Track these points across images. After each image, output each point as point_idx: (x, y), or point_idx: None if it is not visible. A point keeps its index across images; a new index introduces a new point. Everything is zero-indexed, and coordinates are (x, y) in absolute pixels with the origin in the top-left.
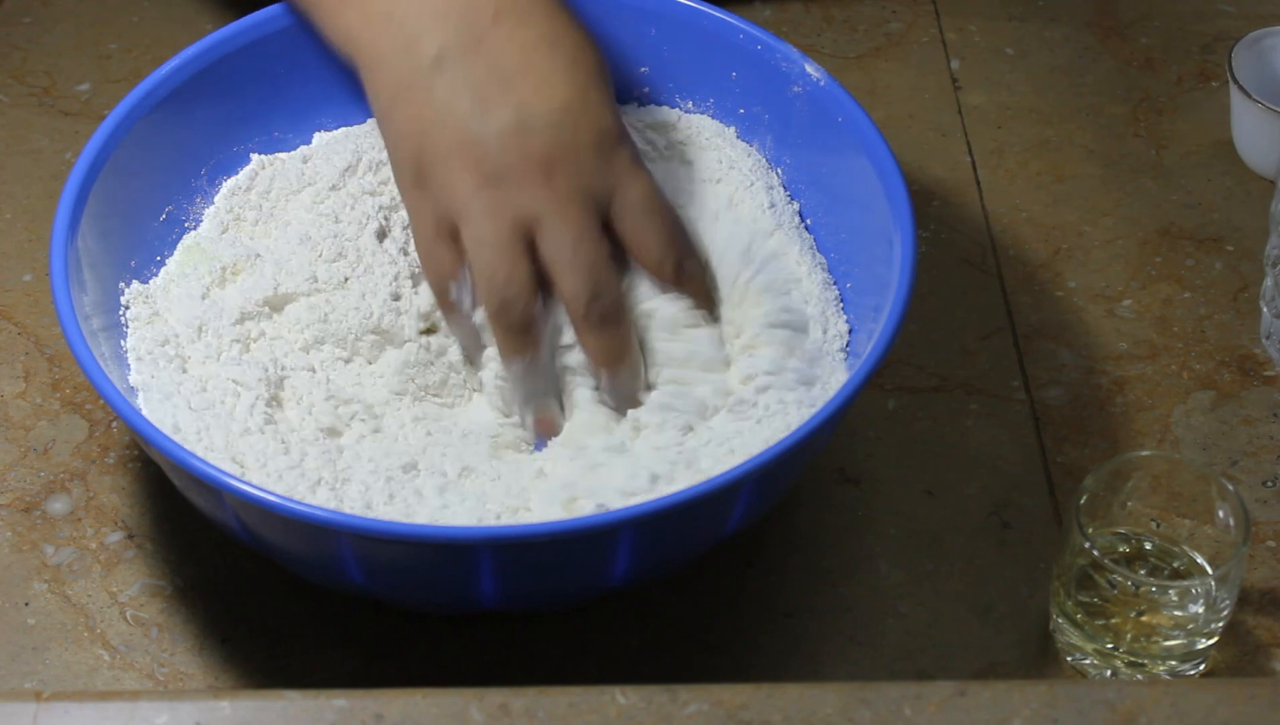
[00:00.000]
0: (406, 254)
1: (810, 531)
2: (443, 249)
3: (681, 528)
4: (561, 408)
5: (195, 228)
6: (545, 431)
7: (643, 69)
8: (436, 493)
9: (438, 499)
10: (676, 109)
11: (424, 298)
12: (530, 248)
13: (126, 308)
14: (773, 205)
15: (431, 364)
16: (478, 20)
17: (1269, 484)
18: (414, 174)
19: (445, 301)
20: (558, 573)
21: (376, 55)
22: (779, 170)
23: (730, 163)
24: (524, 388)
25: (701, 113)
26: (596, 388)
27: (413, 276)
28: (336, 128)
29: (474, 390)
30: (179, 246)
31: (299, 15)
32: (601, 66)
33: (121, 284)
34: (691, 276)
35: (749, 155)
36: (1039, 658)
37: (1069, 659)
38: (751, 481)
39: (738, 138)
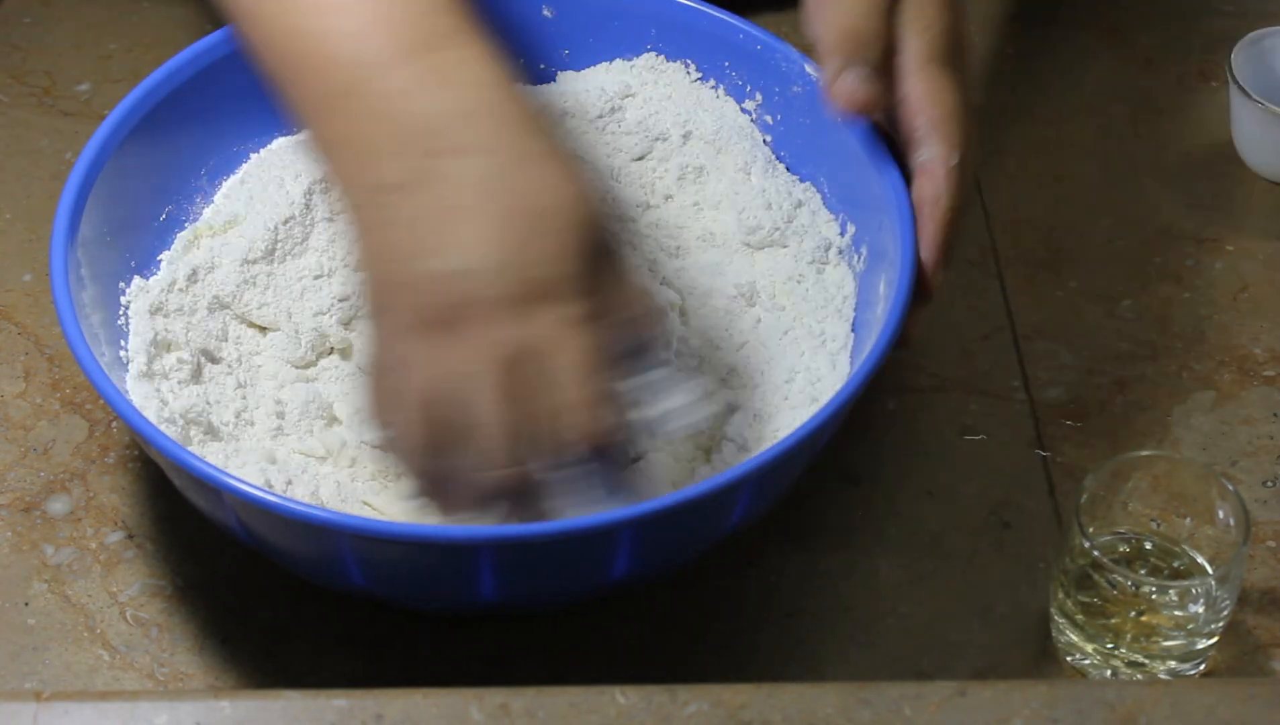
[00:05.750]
0: None
1: (810, 531)
2: (380, 394)
3: (681, 528)
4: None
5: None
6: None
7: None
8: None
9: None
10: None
11: None
12: (446, 412)
13: (126, 307)
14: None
15: None
16: (437, 149)
17: (1269, 484)
18: (371, 300)
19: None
20: (558, 573)
21: (343, 173)
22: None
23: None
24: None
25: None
26: None
27: None
28: None
29: None
30: (176, 242)
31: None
32: (566, 205)
33: (121, 283)
34: (610, 445)
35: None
36: (1039, 658)
37: (1069, 659)
38: (751, 482)
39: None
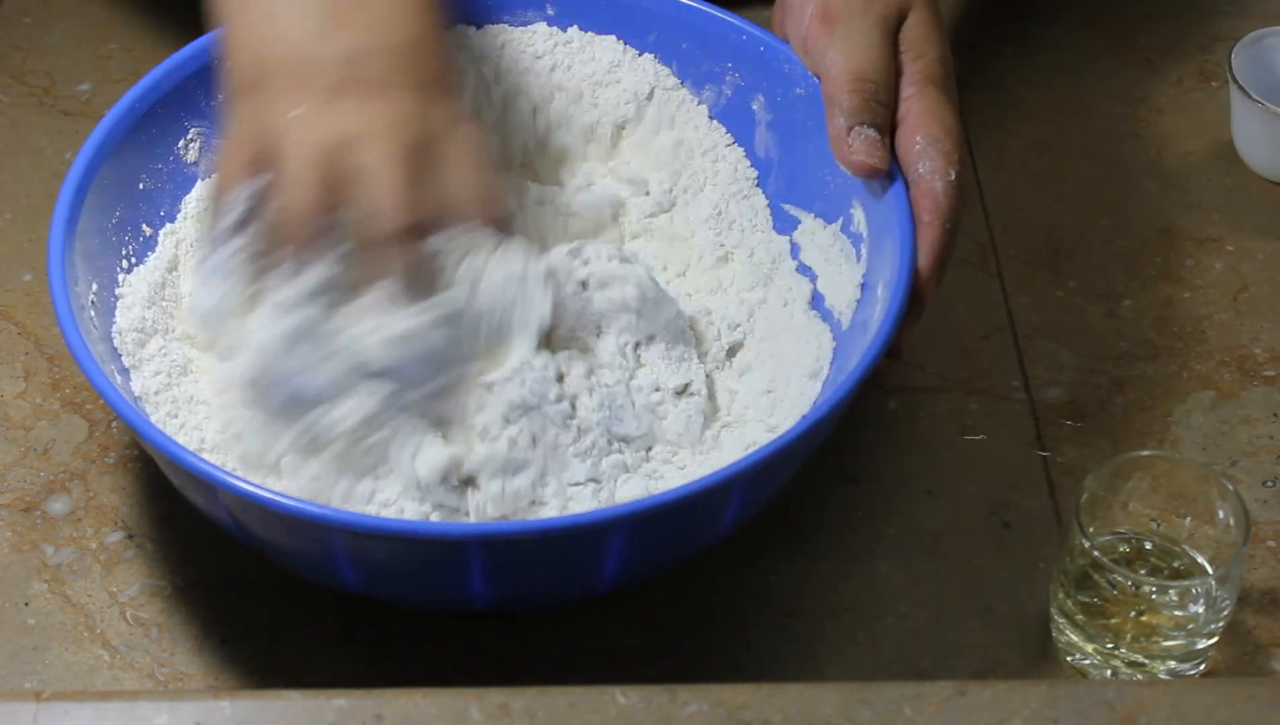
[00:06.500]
0: None
1: (810, 531)
2: (243, 159)
3: (673, 527)
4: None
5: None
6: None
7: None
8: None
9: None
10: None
11: None
12: (338, 162)
13: (120, 300)
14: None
15: None
16: None
17: (1269, 484)
18: (249, 83)
19: (218, 207)
20: (549, 571)
21: None
22: (781, 169)
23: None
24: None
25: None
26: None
27: None
28: None
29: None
30: (166, 236)
31: None
32: (442, 17)
33: (121, 276)
34: (501, 223)
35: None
36: (1039, 658)
37: (1069, 659)
38: (741, 483)
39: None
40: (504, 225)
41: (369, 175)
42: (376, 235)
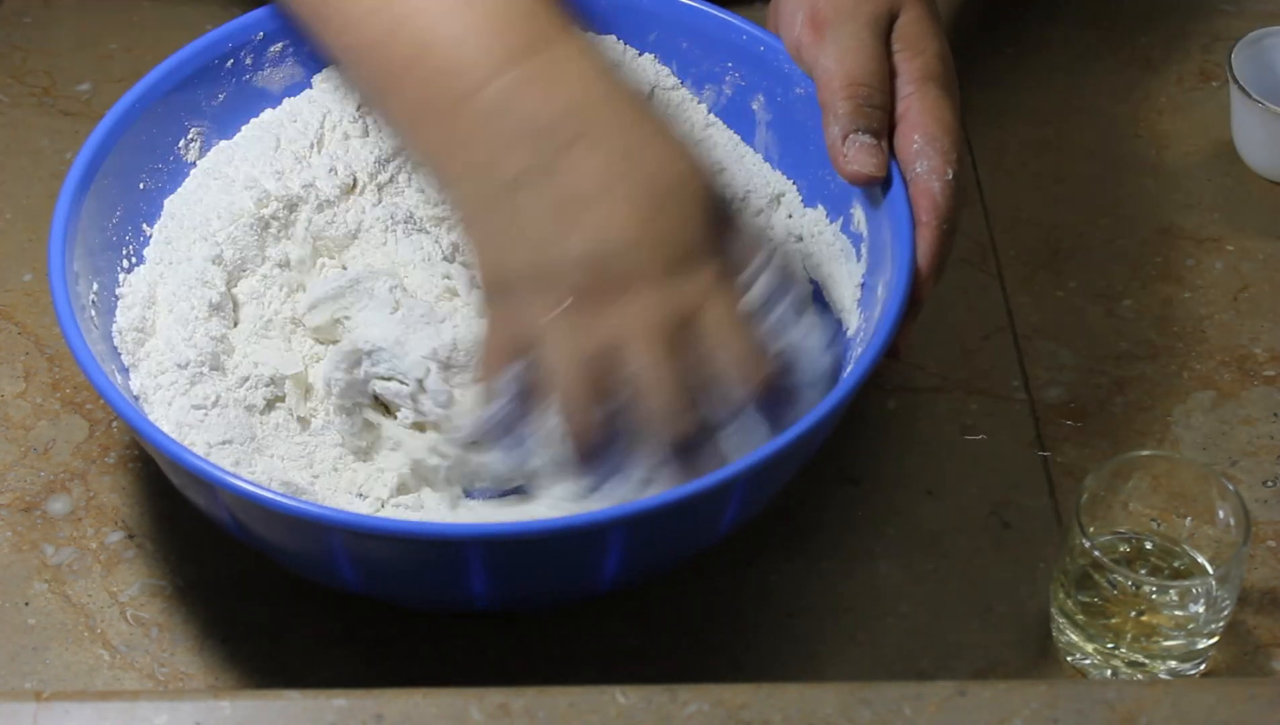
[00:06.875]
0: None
1: (810, 531)
2: (503, 357)
3: (672, 528)
4: None
5: None
6: None
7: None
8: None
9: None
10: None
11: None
12: (607, 373)
13: (121, 300)
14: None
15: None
16: (555, 144)
17: (1269, 484)
18: (496, 289)
19: (487, 393)
20: (549, 571)
21: (455, 174)
22: (780, 170)
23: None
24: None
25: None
26: None
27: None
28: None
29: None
30: (160, 234)
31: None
32: (684, 179)
33: (121, 275)
34: (767, 390)
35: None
36: (1039, 658)
37: (1069, 659)
38: (741, 484)
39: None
40: (769, 387)
41: (639, 384)
42: (658, 440)
